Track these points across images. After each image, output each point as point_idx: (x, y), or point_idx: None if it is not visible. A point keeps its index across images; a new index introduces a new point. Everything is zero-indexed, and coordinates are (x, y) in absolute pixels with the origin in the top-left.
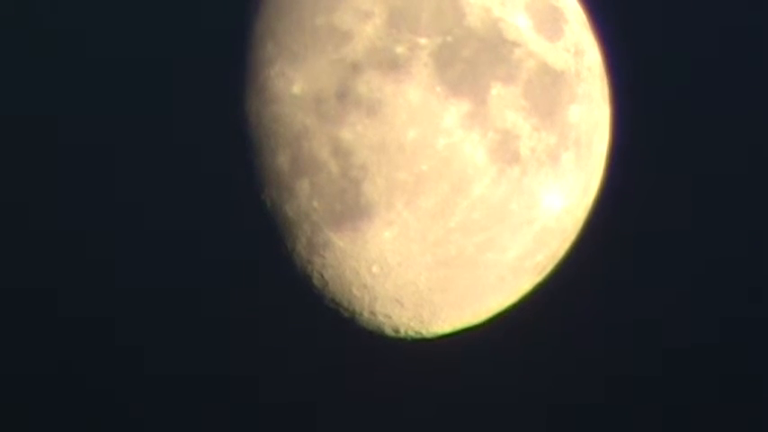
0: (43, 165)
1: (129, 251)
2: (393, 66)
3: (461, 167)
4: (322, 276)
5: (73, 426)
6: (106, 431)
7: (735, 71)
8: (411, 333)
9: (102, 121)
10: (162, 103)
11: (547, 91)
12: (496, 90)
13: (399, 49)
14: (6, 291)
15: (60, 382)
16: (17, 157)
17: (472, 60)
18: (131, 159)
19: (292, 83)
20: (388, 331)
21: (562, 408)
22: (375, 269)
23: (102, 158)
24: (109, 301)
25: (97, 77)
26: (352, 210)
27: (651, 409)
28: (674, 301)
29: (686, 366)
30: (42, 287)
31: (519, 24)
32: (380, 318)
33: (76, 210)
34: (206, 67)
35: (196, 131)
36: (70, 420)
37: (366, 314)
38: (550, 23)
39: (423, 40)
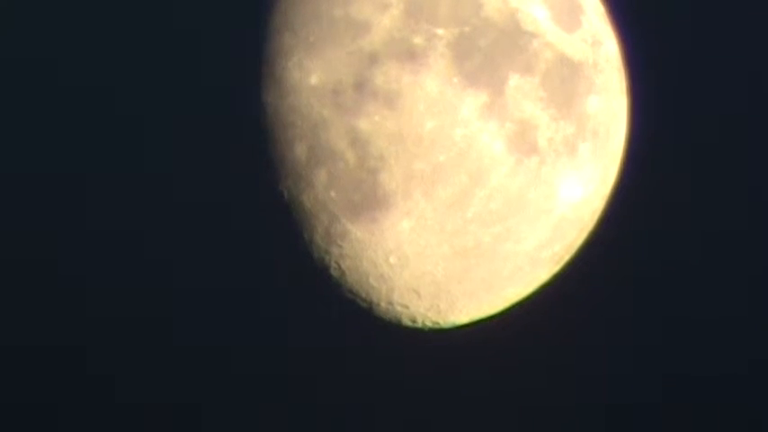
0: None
1: (137, 248)
2: (410, 56)
3: (479, 158)
4: (339, 267)
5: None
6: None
7: (745, 65)
8: (428, 323)
9: (110, 119)
10: (176, 95)
11: (564, 82)
12: (514, 81)
13: (417, 40)
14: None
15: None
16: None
17: (490, 51)
18: (141, 153)
19: (310, 74)
20: (406, 321)
21: (561, 408)
22: (392, 259)
23: (105, 159)
24: (115, 299)
25: (105, 74)
26: (369, 200)
27: (653, 407)
28: (682, 295)
29: (689, 365)
30: (46, 280)
31: (536, 15)
32: (398, 308)
33: (79, 210)
34: (223, 59)
35: (213, 123)
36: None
37: (383, 304)
38: (568, 14)
39: (440, 31)
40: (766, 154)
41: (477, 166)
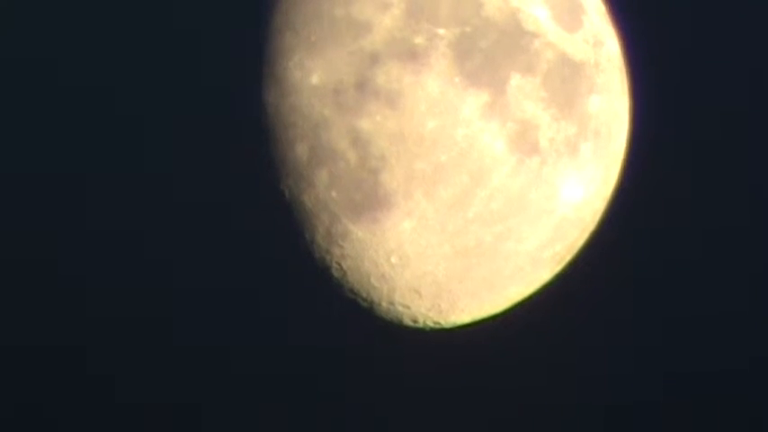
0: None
1: (137, 248)
2: (412, 56)
3: (480, 158)
4: (340, 267)
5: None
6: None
7: (746, 65)
8: (429, 323)
9: (110, 119)
10: (176, 95)
11: (566, 81)
12: (515, 81)
13: (418, 40)
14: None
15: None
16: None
17: (491, 51)
18: (141, 153)
19: (311, 73)
20: (407, 321)
21: (562, 407)
22: (394, 259)
23: (105, 159)
24: (115, 299)
25: (105, 74)
26: (370, 200)
27: (653, 406)
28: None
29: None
30: (46, 280)
31: (537, 15)
32: (399, 308)
33: (79, 210)
34: (223, 59)
35: (213, 123)
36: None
37: (384, 304)
38: (569, 14)
39: (441, 31)
40: (767, 154)
41: (478, 165)
